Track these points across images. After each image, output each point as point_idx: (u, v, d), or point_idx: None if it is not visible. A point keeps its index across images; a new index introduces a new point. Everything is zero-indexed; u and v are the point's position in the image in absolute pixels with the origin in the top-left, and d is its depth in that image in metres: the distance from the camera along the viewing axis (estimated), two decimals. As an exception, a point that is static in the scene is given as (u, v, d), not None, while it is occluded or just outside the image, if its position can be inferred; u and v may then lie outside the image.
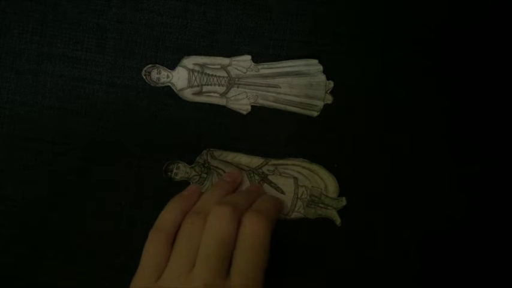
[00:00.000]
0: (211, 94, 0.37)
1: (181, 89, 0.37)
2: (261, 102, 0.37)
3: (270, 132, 0.37)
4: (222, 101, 0.37)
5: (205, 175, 0.38)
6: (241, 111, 0.37)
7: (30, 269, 0.38)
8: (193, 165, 0.38)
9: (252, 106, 0.37)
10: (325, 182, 0.37)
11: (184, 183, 0.37)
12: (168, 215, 0.33)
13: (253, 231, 0.31)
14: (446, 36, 0.37)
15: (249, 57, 0.37)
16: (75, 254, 0.38)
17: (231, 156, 0.37)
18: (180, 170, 0.37)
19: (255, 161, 0.37)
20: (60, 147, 0.37)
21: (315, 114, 0.37)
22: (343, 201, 0.37)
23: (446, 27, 0.37)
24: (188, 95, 0.37)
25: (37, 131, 0.37)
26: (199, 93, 0.37)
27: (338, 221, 0.37)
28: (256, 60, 0.37)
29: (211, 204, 0.33)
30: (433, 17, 0.37)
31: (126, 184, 0.38)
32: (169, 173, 0.37)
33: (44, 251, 0.38)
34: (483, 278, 0.37)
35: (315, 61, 0.37)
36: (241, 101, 0.37)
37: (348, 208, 0.37)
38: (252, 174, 0.37)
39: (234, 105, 0.37)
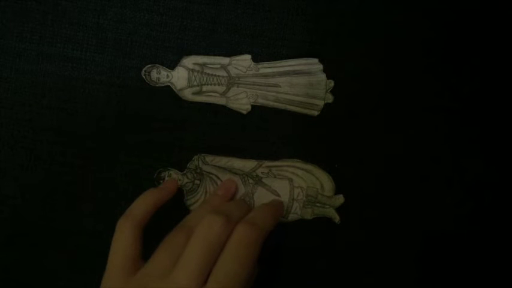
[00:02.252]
0: (211, 94, 0.37)
1: (181, 89, 0.37)
2: (261, 101, 0.37)
3: (270, 131, 0.37)
4: (222, 101, 0.37)
5: (198, 181, 0.37)
6: (241, 111, 0.37)
7: (30, 269, 0.38)
8: (184, 171, 0.37)
9: (252, 105, 0.37)
10: (320, 181, 0.37)
11: (179, 190, 0.37)
12: (138, 204, 0.33)
13: (241, 241, 0.30)
14: (446, 35, 0.37)
15: (249, 56, 0.37)
16: (75, 254, 0.38)
17: (223, 161, 0.37)
18: (172, 178, 0.37)
19: (248, 164, 0.37)
20: (59, 147, 0.37)
21: (316, 113, 0.37)
22: (341, 199, 0.37)
23: (447, 26, 0.37)
24: (188, 94, 0.37)
25: (37, 131, 0.37)
26: (199, 92, 0.37)
27: (337, 218, 0.37)
28: (256, 59, 0.37)
29: (198, 219, 0.32)
30: (433, 16, 0.37)
31: (126, 184, 0.37)
32: (161, 181, 0.37)
33: (44, 251, 0.38)
34: (482, 277, 0.37)
35: (315, 60, 0.37)
36: (241, 101, 0.37)
37: (348, 208, 0.37)
38: (246, 178, 0.37)
39: (234, 105, 0.37)
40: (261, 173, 0.37)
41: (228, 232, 0.30)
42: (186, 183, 0.37)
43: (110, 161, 0.37)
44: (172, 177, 0.37)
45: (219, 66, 0.37)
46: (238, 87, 0.37)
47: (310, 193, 0.37)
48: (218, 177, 0.37)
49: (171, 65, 0.37)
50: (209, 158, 0.37)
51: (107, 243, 0.37)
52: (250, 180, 0.37)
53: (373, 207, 0.37)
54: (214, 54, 0.37)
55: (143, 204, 0.33)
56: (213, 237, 0.30)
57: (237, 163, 0.37)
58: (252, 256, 0.30)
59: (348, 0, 0.37)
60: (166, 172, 0.37)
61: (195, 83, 0.37)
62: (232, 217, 0.31)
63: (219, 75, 0.37)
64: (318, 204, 0.37)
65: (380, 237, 0.37)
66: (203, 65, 0.37)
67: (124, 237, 0.32)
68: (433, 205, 0.37)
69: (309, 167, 0.37)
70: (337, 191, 0.37)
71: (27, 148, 0.38)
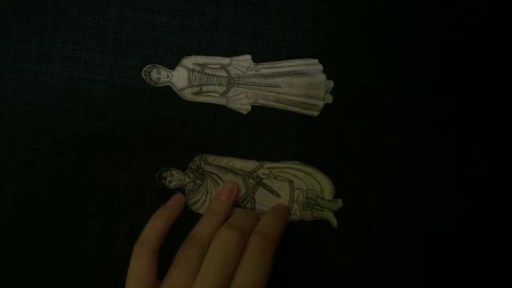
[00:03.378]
0: (211, 94, 0.37)
1: (181, 89, 0.37)
2: (261, 102, 0.37)
3: (270, 132, 0.37)
4: (222, 101, 0.37)
5: (199, 181, 0.37)
6: (242, 111, 0.37)
7: (31, 269, 0.38)
8: (186, 171, 0.37)
9: (252, 106, 0.37)
10: (320, 184, 0.37)
11: (179, 190, 0.37)
12: (151, 228, 0.34)
13: (257, 254, 0.31)
14: (446, 35, 0.37)
15: (249, 56, 0.37)
16: (75, 254, 0.38)
17: (225, 161, 0.37)
18: (174, 178, 0.37)
19: (249, 164, 0.37)
20: (60, 147, 0.37)
21: (315, 114, 0.37)
22: (339, 203, 0.37)
23: (447, 26, 0.37)
24: (188, 94, 0.37)
25: (37, 131, 0.37)
26: (199, 93, 0.37)
27: (334, 222, 0.37)
28: (256, 59, 0.37)
29: (209, 231, 0.33)
30: (433, 16, 0.37)
31: (127, 185, 0.37)
32: (163, 181, 0.37)
33: (44, 250, 0.38)
34: (482, 277, 0.37)
35: (315, 61, 0.37)
36: (241, 101, 0.37)
37: (348, 208, 0.37)
38: (247, 178, 0.37)
39: (234, 105, 0.37)
40: (262, 173, 0.37)
41: (243, 245, 0.32)
42: (188, 183, 0.37)
43: (110, 161, 0.37)
44: (178, 194, 0.37)
45: (219, 66, 0.37)
46: (238, 87, 0.37)
47: (309, 195, 0.37)
48: (219, 177, 0.37)
49: (171, 65, 0.37)
50: (211, 158, 0.37)
51: (108, 243, 0.38)
52: (251, 181, 0.37)
53: (373, 207, 0.37)
54: (214, 54, 0.37)
55: (155, 229, 0.34)
56: (229, 252, 0.31)
57: (238, 163, 0.37)
58: (267, 267, 0.31)
59: (348, 0, 0.37)
60: (168, 172, 0.37)
61: (195, 83, 0.37)
62: (245, 230, 0.32)
63: (219, 76, 0.37)
64: (317, 207, 0.37)
65: (380, 237, 0.37)
66: (203, 65, 0.37)
67: (142, 263, 0.32)
68: (433, 205, 0.37)
69: (309, 169, 0.37)
70: (336, 190, 0.37)
71: (27, 148, 0.38)
